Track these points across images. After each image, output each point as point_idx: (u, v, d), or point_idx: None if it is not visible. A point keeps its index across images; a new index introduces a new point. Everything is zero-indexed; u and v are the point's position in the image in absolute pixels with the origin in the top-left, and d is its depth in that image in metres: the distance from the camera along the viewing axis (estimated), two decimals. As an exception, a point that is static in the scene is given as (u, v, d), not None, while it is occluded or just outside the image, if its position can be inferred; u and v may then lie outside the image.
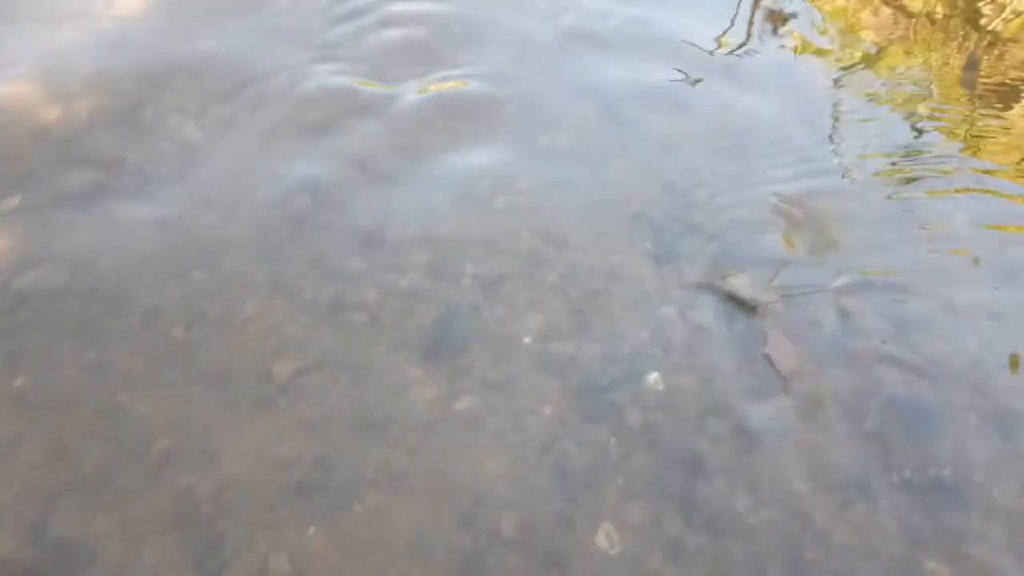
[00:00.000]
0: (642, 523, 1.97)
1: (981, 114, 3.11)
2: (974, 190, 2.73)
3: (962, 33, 3.55)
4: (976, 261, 2.52)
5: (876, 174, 2.79)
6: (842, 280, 2.43)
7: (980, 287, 2.45)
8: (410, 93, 2.93)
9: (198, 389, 2.13)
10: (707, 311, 2.36)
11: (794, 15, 3.59)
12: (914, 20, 3.63)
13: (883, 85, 3.22)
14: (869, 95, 3.16)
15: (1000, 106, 3.14)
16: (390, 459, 2.05)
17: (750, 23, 3.47)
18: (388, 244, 2.47)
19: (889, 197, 2.71)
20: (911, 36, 3.53)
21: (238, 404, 2.12)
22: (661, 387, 2.20)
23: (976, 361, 2.28)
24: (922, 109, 3.10)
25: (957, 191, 2.72)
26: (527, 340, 2.29)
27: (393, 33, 3.20)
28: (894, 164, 2.82)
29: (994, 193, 2.76)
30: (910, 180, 2.76)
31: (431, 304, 2.33)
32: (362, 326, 2.28)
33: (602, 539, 1.95)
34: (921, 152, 2.90)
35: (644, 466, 2.07)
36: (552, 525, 1.97)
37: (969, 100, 3.20)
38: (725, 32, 3.40)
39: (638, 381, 2.22)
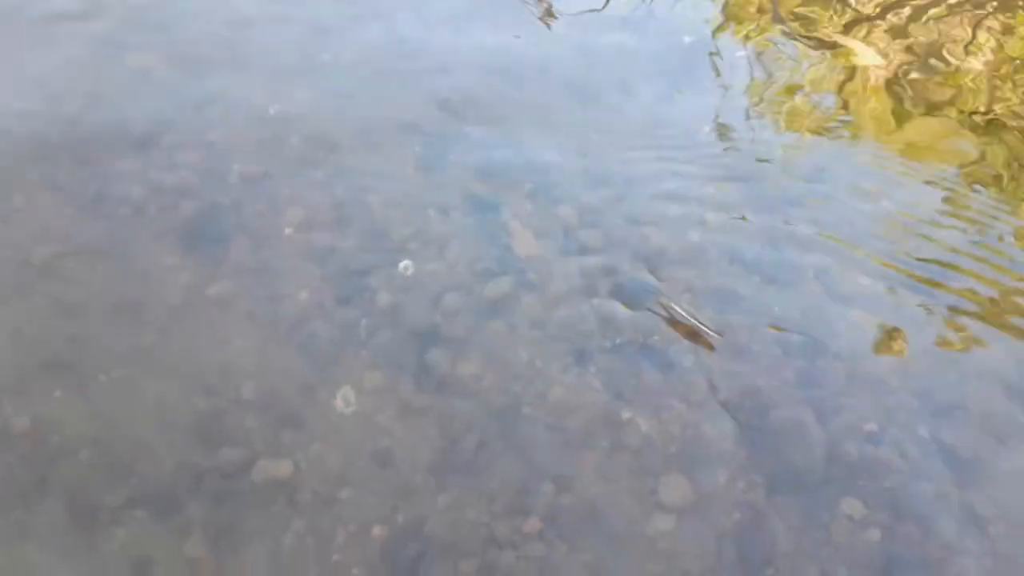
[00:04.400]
0: (378, 388, 2.15)
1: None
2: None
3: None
4: (713, 162, 2.80)
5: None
6: (575, 178, 2.67)
7: (705, 187, 2.73)
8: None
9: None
10: (462, 208, 2.55)
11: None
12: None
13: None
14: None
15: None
16: (141, 337, 2.16)
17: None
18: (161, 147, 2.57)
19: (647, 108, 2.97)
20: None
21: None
22: (411, 272, 2.38)
23: (696, 249, 2.54)
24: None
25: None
26: (288, 231, 2.43)
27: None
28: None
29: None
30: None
31: (195, 199, 2.45)
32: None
33: (339, 402, 2.11)
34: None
35: (387, 341, 2.24)
36: (293, 391, 2.12)
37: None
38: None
39: (392, 267, 2.39)
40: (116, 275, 2.26)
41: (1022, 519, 2.05)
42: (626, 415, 2.15)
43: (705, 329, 2.31)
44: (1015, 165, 2.96)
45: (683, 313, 2.33)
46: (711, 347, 2.28)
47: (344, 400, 2.12)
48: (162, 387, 2.08)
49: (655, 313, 2.36)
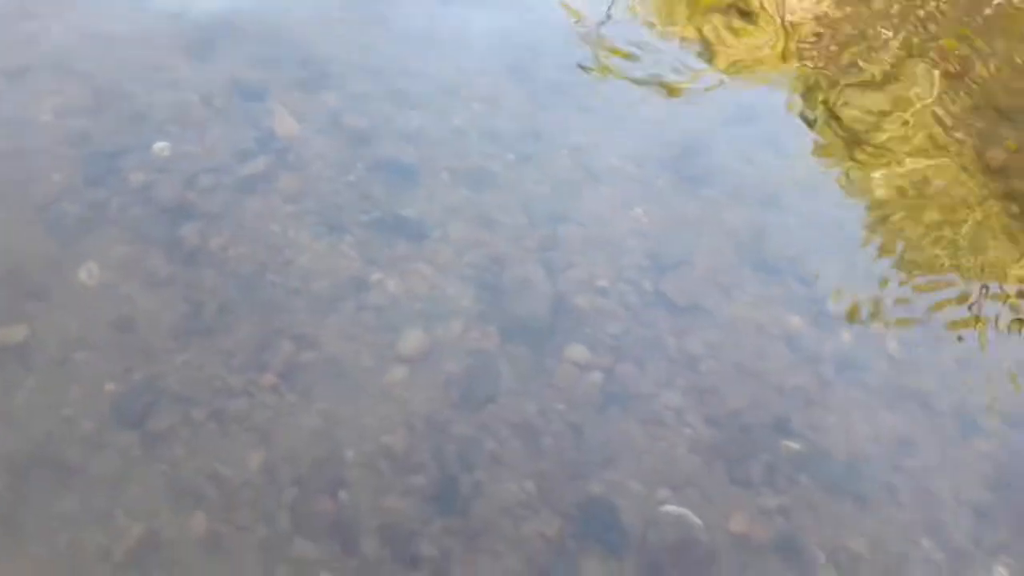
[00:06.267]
0: (125, 261, 2.19)
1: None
2: None
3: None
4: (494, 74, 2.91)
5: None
6: (348, 69, 2.74)
7: (482, 80, 2.84)
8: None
9: None
10: (226, 95, 2.59)
11: None
12: None
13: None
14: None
15: None
16: None
17: None
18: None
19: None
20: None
21: None
22: (167, 153, 2.42)
23: (458, 132, 2.65)
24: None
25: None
26: (46, 118, 2.43)
27: None
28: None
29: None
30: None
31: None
32: None
33: (83, 274, 2.15)
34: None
35: (137, 218, 2.28)
36: (37, 266, 2.14)
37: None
38: None
39: (146, 149, 2.42)
40: None
41: (731, 357, 2.26)
42: (375, 277, 2.26)
43: None
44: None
45: None
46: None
47: (88, 273, 2.15)
48: None
49: (412, 188, 2.47)
